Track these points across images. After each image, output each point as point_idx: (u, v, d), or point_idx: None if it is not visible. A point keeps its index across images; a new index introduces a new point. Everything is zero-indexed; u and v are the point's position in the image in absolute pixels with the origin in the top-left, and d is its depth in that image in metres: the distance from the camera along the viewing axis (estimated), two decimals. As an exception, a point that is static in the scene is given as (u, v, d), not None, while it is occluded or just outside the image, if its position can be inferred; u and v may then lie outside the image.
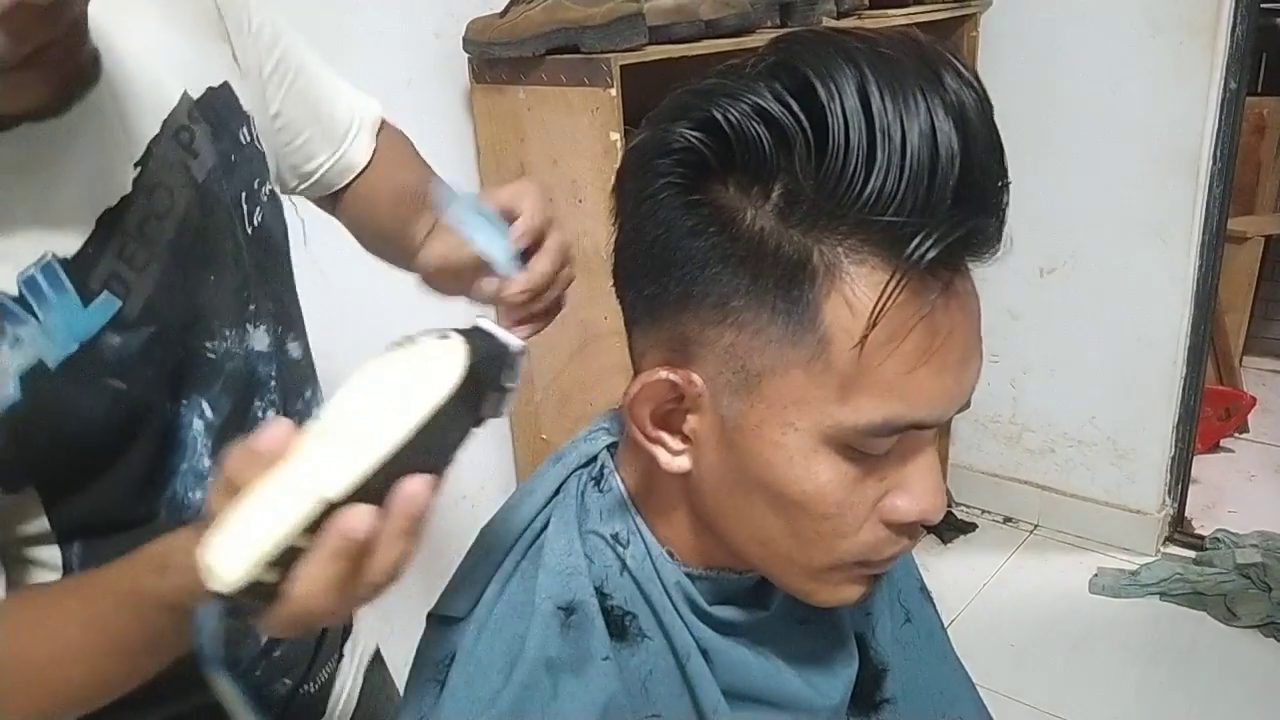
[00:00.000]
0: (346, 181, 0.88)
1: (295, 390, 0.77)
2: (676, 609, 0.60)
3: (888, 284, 0.46)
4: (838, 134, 0.45)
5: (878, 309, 0.46)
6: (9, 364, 0.55)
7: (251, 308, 0.72)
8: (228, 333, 0.69)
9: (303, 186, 0.87)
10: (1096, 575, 2.27)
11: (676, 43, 1.48)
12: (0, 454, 0.56)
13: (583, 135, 1.45)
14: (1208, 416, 2.56)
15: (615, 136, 1.41)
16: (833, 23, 1.78)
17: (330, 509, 0.42)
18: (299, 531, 0.42)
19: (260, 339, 0.73)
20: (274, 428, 0.45)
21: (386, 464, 0.43)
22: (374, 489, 0.43)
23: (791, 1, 1.65)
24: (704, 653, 0.60)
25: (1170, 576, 2.23)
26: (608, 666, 0.58)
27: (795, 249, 0.48)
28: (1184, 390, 2.23)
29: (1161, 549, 2.36)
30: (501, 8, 1.54)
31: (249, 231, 0.72)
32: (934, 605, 0.79)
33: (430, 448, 0.45)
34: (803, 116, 0.46)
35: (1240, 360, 2.95)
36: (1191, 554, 2.32)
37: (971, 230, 0.46)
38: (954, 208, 0.45)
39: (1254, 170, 2.92)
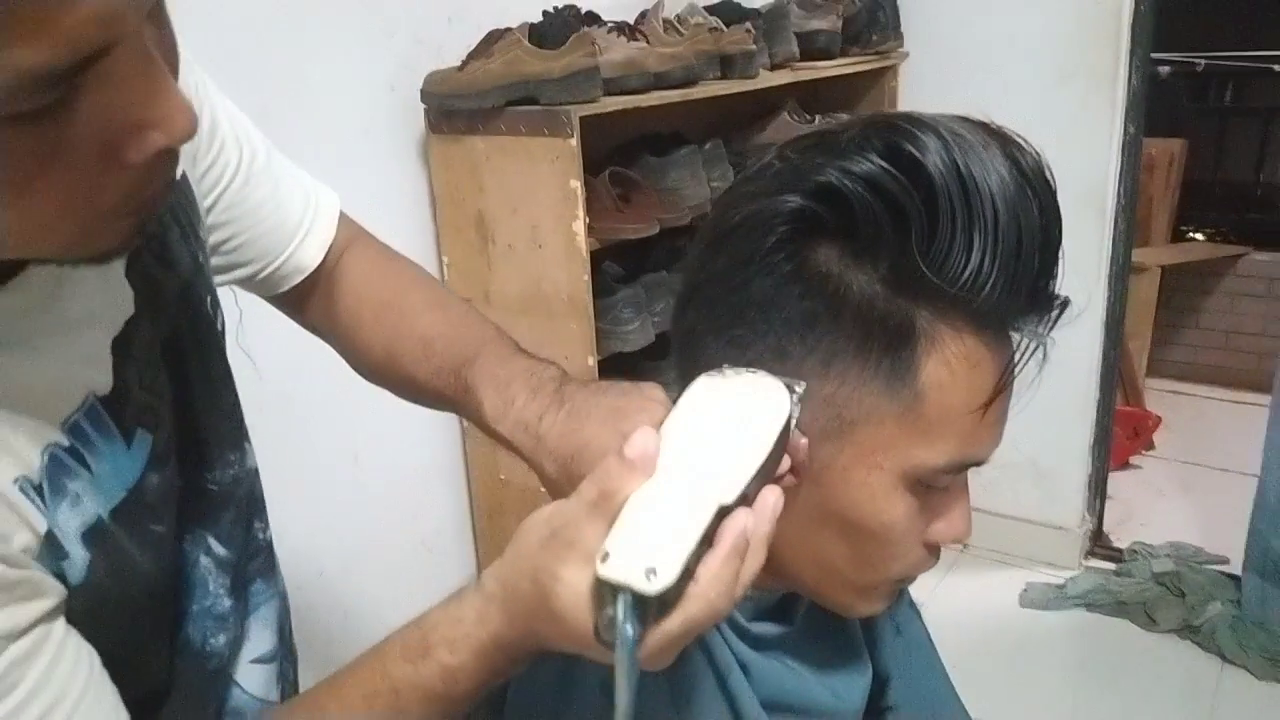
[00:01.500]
0: (293, 285, 0.77)
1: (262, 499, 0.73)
2: (718, 627, 0.64)
3: (1011, 359, 0.55)
4: (946, 217, 0.51)
5: (1003, 379, 0.55)
6: (71, 526, 0.49)
7: (246, 423, 0.68)
8: (230, 456, 0.66)
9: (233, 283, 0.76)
10: (1025, 590, 2.38)
11: (628, 94, 1.55)
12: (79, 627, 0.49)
13: (543, 183, 1.50)
14: (1117, 436, 2.72)
15: (575, 184, 1.46)
16: (768, 74, 1.87)
17: (722, 514, 0.46)
18: (702, 535, 0.45)
19: (253, 454, 0.69)
20: (642, 439, 0.46)
21: (756, 475, 0.47)
22: (748, 497, 0.47)
23: (732, 56, 1.74)
24: (743, 667, 0.65)
25: (1094, 588, 2.35)
26: (657, 684, 0.62)
27: (902, 316, 0.54)
28: (1099, 412, 2.38)
29: (1084, 562, 2.49)
30: (451, 61, 1.58)
31: (223, 335, 0.67)
32: (921, 619, 0.85)
33: (772, 465, 0.49)
34: (918, 198, 0.52)
35: (1143, 382, 3.16)
36: (1112, 566, 2.45)
37: (1049, 300, 0.55)
38: (1036, 279, 0.53)
39: (1147, 205, 3.15)
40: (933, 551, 0.62)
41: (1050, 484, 2.47)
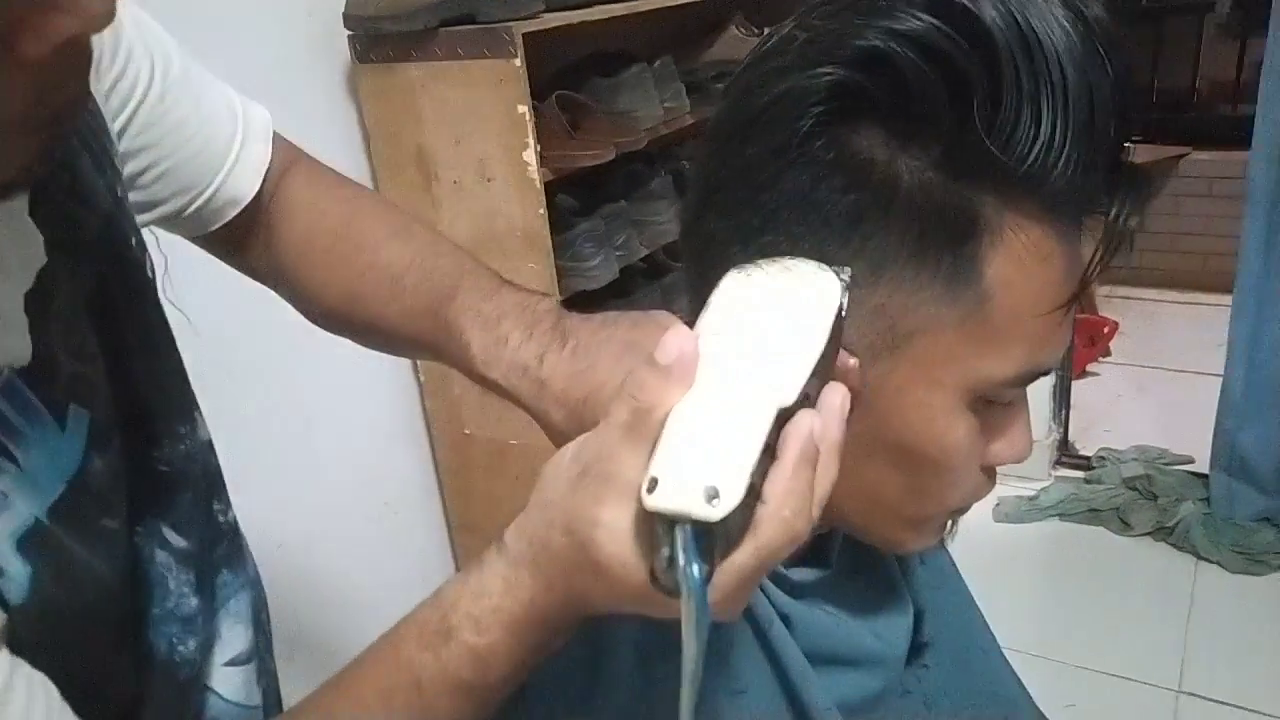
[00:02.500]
0: (227, 220, 0.66)
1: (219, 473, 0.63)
2: None
3: (1098, 247, 0.46)
4: (1010, 83, 0.43)
5: (1093, 268, 0.47)
6: (1, 535, 0.41)
7: (194, 388, 0.58)
8: (180, 429, 0.56)
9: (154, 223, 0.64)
10: (999, 504, 2.37)
11: (572, 9, 1.43)
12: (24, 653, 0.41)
13: (487, 110, 1.38)
14: (1075, 345, 2.72)
15: (523, 109, 1.35)
16: (715, -17, 1.77)
17: (782, 419, 0.38)
18: (763, 442, 0.37)
19: (204, 425, 0.59)
20: (677, 338, 0.39)
21: (814, 372, 0.40)
22: (809, 397, 0.40)
23: (677, -38, 1.63)
24: (784, 619, 0.58)
25: (1066, 497, 2.36)
26: None
27: (963, 205, 0.46)
28: (1061, 321, 2.36)
29: (1053, 473, 2.49)
30: (378, -19, 1.45)
31: (155, 284, 0.57)
32: (944, 546, 0.79)
33: (828, 363, 0.42)
34: (978, 61, 0.43)
35: (1094, 289, 3.17)
36: (1081, 474, 2.46)
37: (1130, 176, 0.47)
38: (1113, 151, 0.46)
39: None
40: (990, 475, 0.55)
41: (1016, 396, 2.46)
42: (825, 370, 0.41)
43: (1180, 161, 3.37)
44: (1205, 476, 2.26)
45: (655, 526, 0.37)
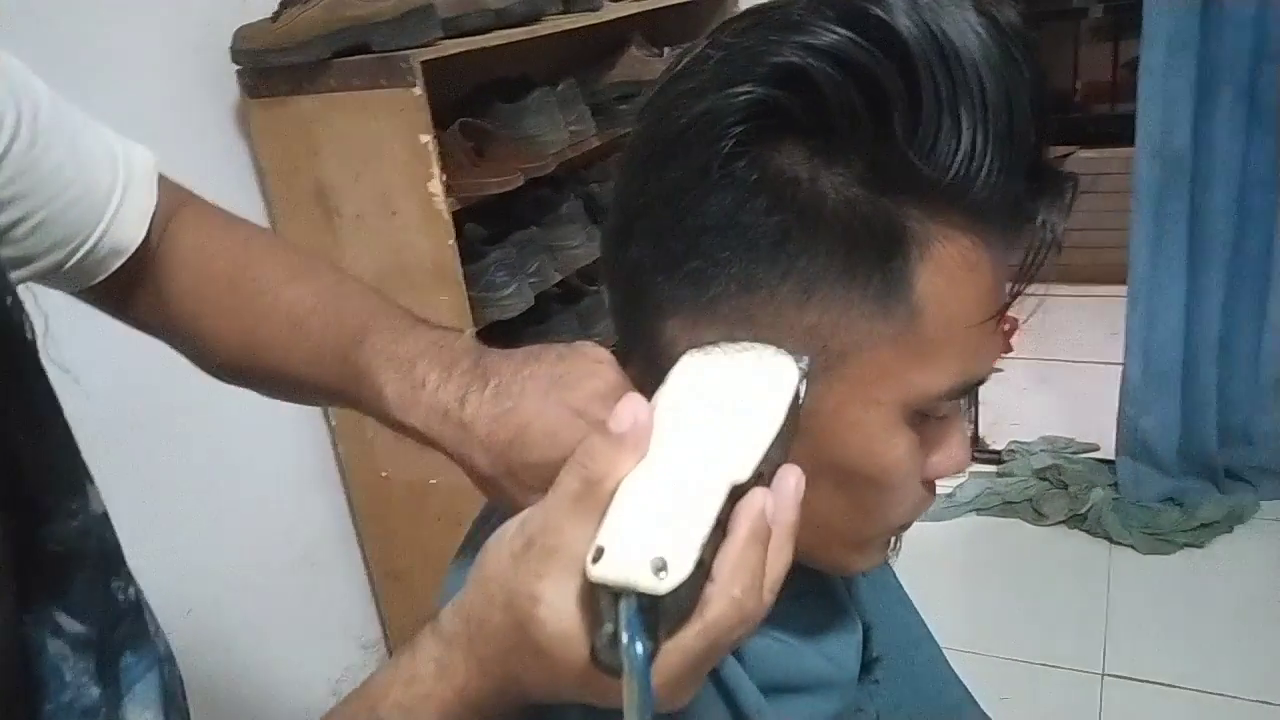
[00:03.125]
0: (111, 272, 0.61)
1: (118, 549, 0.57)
2: None
3: (1028, 252, 0.47)
4: (929, 93, 0.42)
5: (1023, 274, 0.47)
6: None
7: (84, 456, 0.52)
8: (71, 504, 0.51)
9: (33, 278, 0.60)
10: (918, 504, 2.41)
11: (469, 35, 1.41)
12: None
13: (388, 141, 1.35)
14: (980, 342, 2.80)
15: (425, 138, 1.32)
16: (611, 6, 1.76)
17: (735, 495, 0.37)
18: (715, 517, 0.36)
19: (98, 496, 0.54)
20: (631, 408, 0.36)
21: (769, 451, 0.38)
22: (763, 476, 0.38)
23: (571, -14, 1.62)
24: (736, 655, 0.56)
25: (982, 492, 2.41)
26: None
27: (888, 219, 0.45)
28: (967, 321, 2.42)
29: (968, 469, 2.55)
30: (262, 13, 1.40)
31: (35, 346, 0.51)
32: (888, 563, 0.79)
33: (784, 444, 0.41)
34: (896, 74, 0.43)
35: (993, 288, 3.27)
36: (994, 468, 2.52)
37: (1054, 179, 0.47)
38: (1034, 155, 0.45)
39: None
40: (931, 489, 0.55)
41: (928, 397, 2.51)
42: (781, 451, 0.40)
43: (1066, 160, 3.51)
44: (1111, 462, 2.34)
45: (600, 599, 0.35)
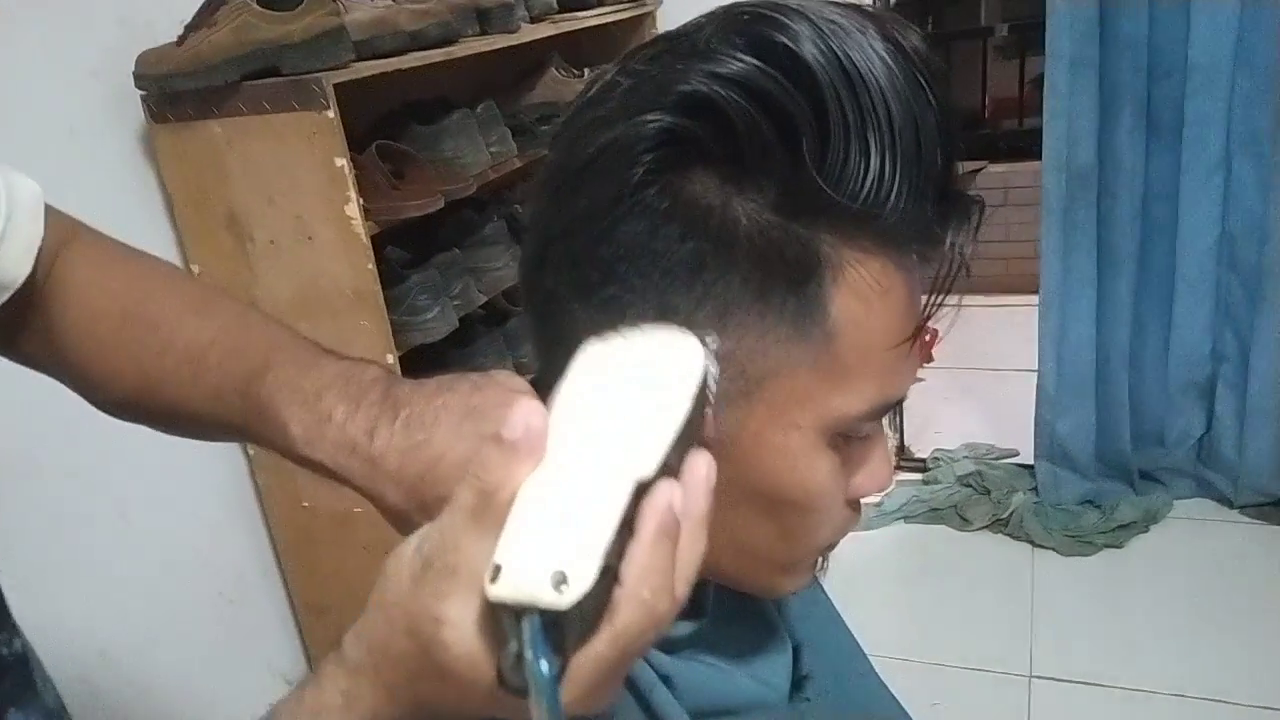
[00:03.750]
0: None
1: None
2: None
3: (937, 274, 0.47)
4: (836, 120, 0.43)
5: (933, 296, 0.47)
6: None
7: None
8: None
9: None
10: (849, 515, 2.44)
11: (381, 57, 1.39)
12: None
13: (301, 165, 1.31)
14: (903, 353, 2.85)
15: (341, 161, 1.29)
16: (529, 28, 1.76)
17: (642, 492, 0.35)
18: (620, 519, 0.34)
19: None
20: (523, 413, 0.35)
21: (676, 441, 0.36)
22: (670, 468, 0.37)
23: (488, 8, 1.61)
24: (665, 680, 0.55)
25: (908, 500, 2.46)
26: None
27: (801, 245, 0.45)
28: (889, 332, 2.47)
29: (894, 477, 2.59)
30: (166, 37, 1.35)
31: None
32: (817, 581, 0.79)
33: (693, 432, 0.39)
34: (803, 101, 0.43)
35: (914, 300, 3.34)
36: (919, 476, 2.57)
37: (961, 203, 0.47)
38: (942, 179, 0.46)
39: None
40: (855, 509, 0.55)
41: (854, 409, 2.55)
42: (689, 441, 0.39)
43: (978, 175, 3.62)
44: (1031, 467, 2.41)
45: (501, 619, 0.33)
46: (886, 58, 0.44)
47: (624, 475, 0.35)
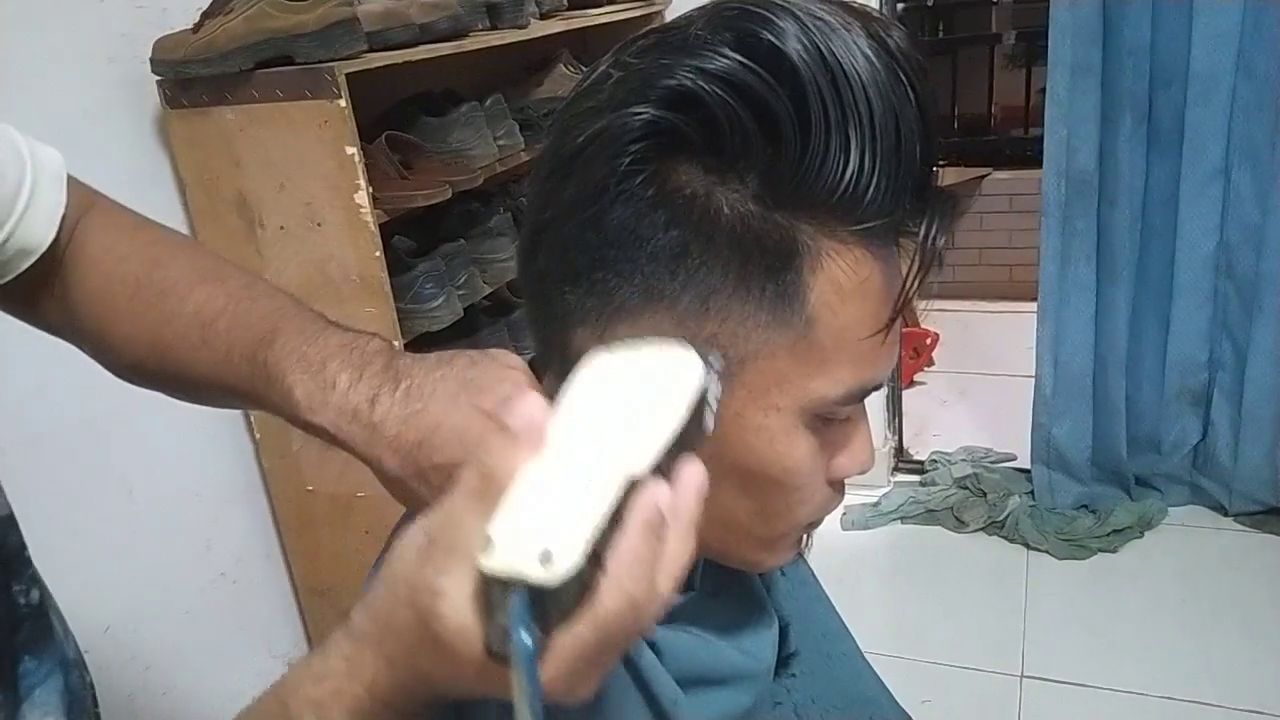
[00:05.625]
0: (19, 273, 0.61)
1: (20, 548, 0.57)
2: None
3: (911, 265, 0.48)
4: (817, 115, 0.45)
5: (908, 287, 0.48)
6: None
7: None
8: None
9: None
10: (845, 513, 2.46)
11: (392, 49, 1.41)
12: None
13: (312, 152, 1.34)
14: (902, 357, 2.87)
15: (351, 150, 1.32)
16: (539, 23, 1.78)
17: (631, 489, 0.37)
18: (610, 510, 0.36)
19: (4, 498, 0.54)
20: (527, 404, 0.37)
21: (669, 446, 0.39)
22: (662, 469, 0.39)
23: (498, 3, 1.63)
24: (652, 647, 0.57)
25: (906, 501, 2.47)
26: None
27: (781, 234, 0.47)
28: (889, 334, 2.49)
29: (892, 478, 2.61)
30: (182, 24, 1.38)
31: None
32: (803, 558, 0.81)
33: (688, 440, 0.41)
34: (785, 96, 0.45)
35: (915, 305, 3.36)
36: (916, 478, 2.59)
37: (938, 198, 0.49)
38: (921, 174, 0.48)
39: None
40: (837, 489, 0.57)
41: (854, 410, 2.57)
42: (683, 448, 0.41)
43: (983, 181, 3.64)
44: (1027, 471, 2.42)
45: (491, 591, 0.35)
46: (870, 54, 0.46)
47: (617, 469, 0.37)
